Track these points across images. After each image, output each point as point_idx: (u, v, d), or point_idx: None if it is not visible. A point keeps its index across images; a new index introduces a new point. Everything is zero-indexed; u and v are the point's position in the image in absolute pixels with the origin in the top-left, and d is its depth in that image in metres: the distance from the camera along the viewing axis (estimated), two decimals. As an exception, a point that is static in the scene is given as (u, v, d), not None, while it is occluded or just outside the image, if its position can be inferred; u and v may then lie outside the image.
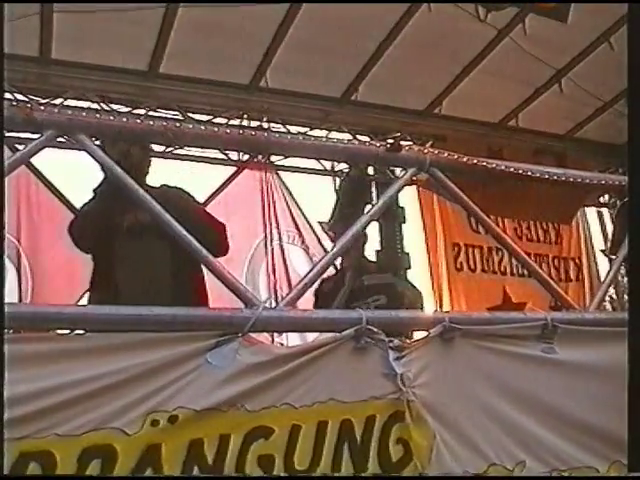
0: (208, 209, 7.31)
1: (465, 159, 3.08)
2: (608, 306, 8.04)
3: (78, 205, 6.98)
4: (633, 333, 2.61)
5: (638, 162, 2.80)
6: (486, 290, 8.23)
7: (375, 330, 2.55)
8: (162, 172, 7.25)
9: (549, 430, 2.73)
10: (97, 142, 3.47)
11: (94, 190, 3.83)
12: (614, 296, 8.76)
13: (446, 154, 3.08)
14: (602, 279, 4.00)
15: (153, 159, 6.89)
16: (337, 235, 4.78)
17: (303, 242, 7.97)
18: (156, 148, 7.35)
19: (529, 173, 3.26)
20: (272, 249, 7.72)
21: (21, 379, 2.07)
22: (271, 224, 7.76)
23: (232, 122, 7.47)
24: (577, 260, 9.06)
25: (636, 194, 2.83)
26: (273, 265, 7.68)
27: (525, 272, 8.18)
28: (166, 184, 3.93)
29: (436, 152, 3.07)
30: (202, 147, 6.32)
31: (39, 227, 6.78)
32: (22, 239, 6.63)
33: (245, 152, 7.13)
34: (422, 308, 4.80)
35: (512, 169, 3.21)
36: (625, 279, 8.45)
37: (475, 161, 3.12)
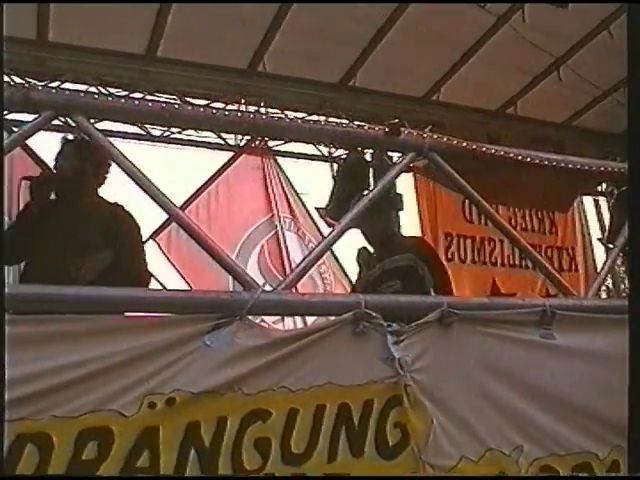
0: (209, 191, 7.42)
1: (464, 144, 3.07)
2: (604, 296, 8.05)
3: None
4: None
5: (637, 150, 2.79)
6: (475, 281, 8.21)
7: (374, 314, 2.55)
8: (158, 158, 7.28)
9: (547, 415, 2.74)
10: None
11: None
12: (611, 286, 8.77)
13: (445, 139, 3.07)
14: (598, 268, 4.00)
15: (150, 144, 6.90)
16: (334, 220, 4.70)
17: (298, 229, 7.97)
18: (154, 132, 7.40)
19: (529, 159, 3.25)
20: (276, 232, 7.76)
21: (18, 361, 2.05)
22: (272, 208, 7.79)
23: (229, 107, 7.43)
24: (570, 250, 9.04)
25: (636, 181, 2.82)
26: (279, 248, 7.71)
27: (515, 263, 8.25)
28: (122, 205, 3.98)
29: (435, 137, 3.06)
30: (200, 129, 6.32)
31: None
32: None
33: (244, 134, 7.09)
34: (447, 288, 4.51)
35: (512, 155, 3.20)
36: (622, 269, 8.48)
37: (474, 146, 3.11)
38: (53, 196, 3.84)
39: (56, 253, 3.63)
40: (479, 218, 8.12)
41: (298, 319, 5.52)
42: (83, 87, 6.89)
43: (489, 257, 8.36)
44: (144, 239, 4.17)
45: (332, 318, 2.54)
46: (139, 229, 3.97)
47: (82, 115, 2.49)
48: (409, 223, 8.11)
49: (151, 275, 4.10)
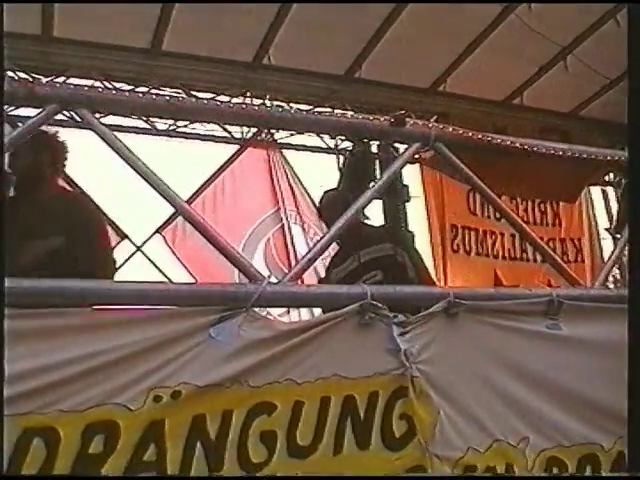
0: (215, 184, 7.43)
1: (470, 134, 3.06)
2: (611, 287, 8.00)
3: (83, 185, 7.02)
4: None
5: (637, 142, 2.78)
6: (479, 273, 8.27)
7: (379, 305, 2.54)
8: (164, 151, 7.28)
9: (553, 406, 2.73)
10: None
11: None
12: (618, 276, 8.72)
13: (451, 129, 3.05)
14: (605, 259, 3.99)
15: (156, 137, 6.87)
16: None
17: (304, 222, 7.98)
18: (160, 126, 7.41)
19: (534, 148, 3.23)
20: (282, 225, 7.78)
21: (24, 355, 2.06)
22: (278, 201, 7.81)
23: (235, 100, 7.42)
24: (576, 241, 9.02)
25: (636, 171, 2.81)
26: (285, 241, 7.74)
27: (516, 256, 8.29)
28: (85, 193, 3.92)
29: (441, 127, 3.05)
30: (205, 122, 6.32)
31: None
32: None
33: (249, 126, 7.08)
34: (426, 277, 4.57)
35: (518, 144, 3.18)
36: (628, 259, 8.41)
37: (480, 136, 3.09)
38: (13, 193, 3.78)
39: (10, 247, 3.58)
40: (482, 211, 8.15)
41: (303, 312, 5.52)
42: (88, 82, 6.88)
43: (491, 249, 8.39)
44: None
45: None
46: (97, 216, 3.90)
47: (87, 109, 2.48)
48: (416, 214, 8.12)
49: (115, 262, 3.99)
